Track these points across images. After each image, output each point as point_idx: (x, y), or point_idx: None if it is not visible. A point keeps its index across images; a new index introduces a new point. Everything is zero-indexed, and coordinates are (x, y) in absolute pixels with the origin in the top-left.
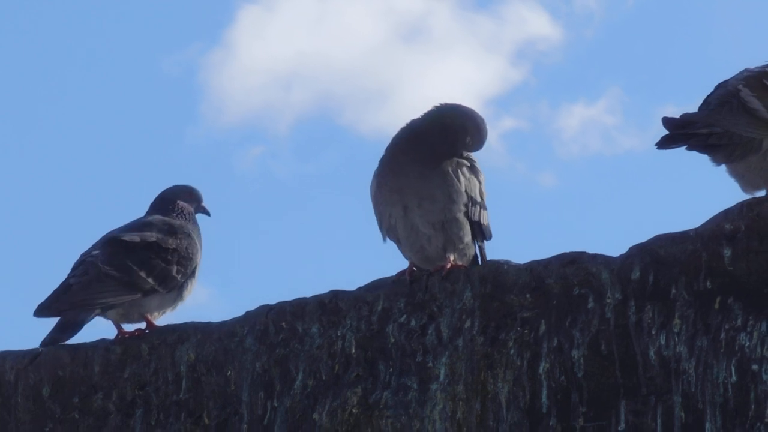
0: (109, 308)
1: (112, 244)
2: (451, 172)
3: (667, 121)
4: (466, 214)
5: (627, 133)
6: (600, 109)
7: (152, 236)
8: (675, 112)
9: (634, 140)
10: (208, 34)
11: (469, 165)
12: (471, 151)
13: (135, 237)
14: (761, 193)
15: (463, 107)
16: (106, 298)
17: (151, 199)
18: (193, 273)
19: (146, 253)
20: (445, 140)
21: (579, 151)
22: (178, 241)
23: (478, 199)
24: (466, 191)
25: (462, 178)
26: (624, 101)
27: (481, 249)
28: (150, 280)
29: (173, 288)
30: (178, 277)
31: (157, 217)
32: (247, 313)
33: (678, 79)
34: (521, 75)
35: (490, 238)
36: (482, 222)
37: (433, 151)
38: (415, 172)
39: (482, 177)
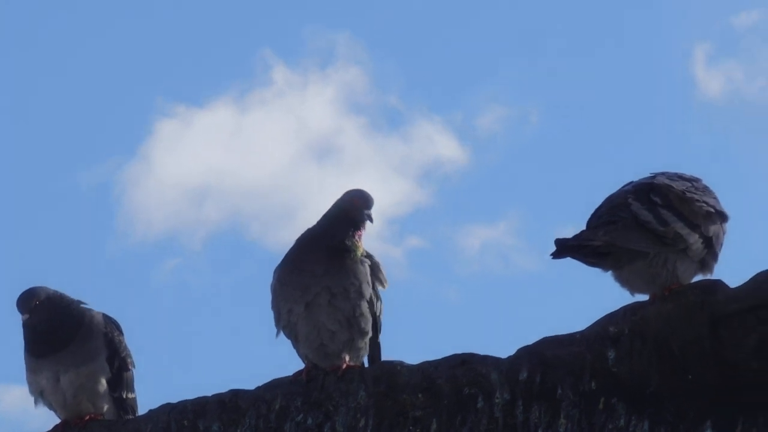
0: None
1: None
2: (357, 267)
3: (560, 242)
4: (371, 309)
5: (525, 254)
6: (500, 231)
7: None
8: (572, 233)
9: (531, 261)
10: (125, 148)
11: (369, 262)
12: (368, 213)
13: None
14: (644, 297)
15: (349, 190)
16: None
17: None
18: None
19: None
20: (343, 219)
21: (479, 270)
22: None
23: (379, 294)
24: (372, 286)
25: (367, 273)
26: (525, 222)
27: (378, 344)
28: None
29: None
30: None
31: None
32: (150, 411)
33: (576, 201)
34: (427, 196)
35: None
36: (379, 315)
37: (336, 245)
38: (321, 269)
39: (383, 269)
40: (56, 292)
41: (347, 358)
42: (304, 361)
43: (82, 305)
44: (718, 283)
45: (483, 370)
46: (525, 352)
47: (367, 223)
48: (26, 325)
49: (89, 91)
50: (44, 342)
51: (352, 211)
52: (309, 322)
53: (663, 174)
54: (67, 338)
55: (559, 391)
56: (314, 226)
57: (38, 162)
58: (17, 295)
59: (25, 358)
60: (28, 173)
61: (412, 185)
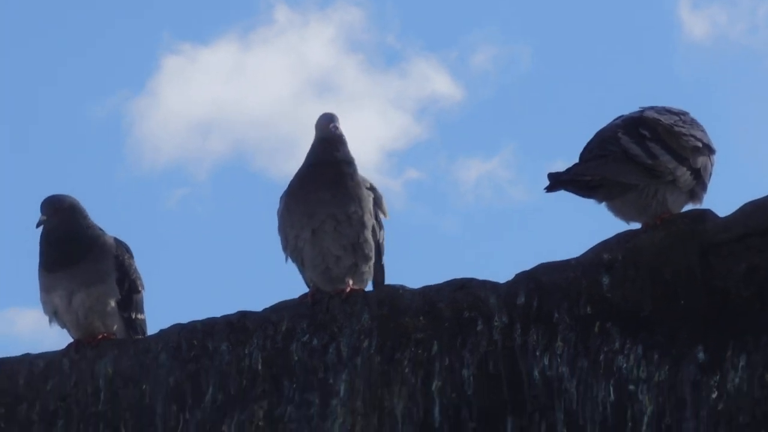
0: None
1: None
2: (362, 193)
3: (553, 177)
4: (374, 235)
5: (518, 186)
6: (495, 164)
7: None
8: (563, 167)
9: (525, 192)
10: (134, 82)
11: (373, 195)
12: (332, 125)
13: None
14: (637, 226)
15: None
16: None
17: None
18: None
19: None
20: (321, 141)
21: (474, 201)
22: None
23: (381, 222)
24: (374, 215)
25: (371, 203)
26: (518, 156)
27: (382, 267)
28: None
29: None
30: None
31: None
32: (161, 331)
33: (567, 134)
34: (424, 130)
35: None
36: (381, 242)
37: (331, 160)
38: (327, 197)
39: (384, 201)
40: (83, 209)
41: (351, 282)
42: (309, 285)
43: (98, 229)
44: (708, 213)
45: (482, 294)
46: (522, 277)
47: (336, 132)
48: (42, 230)
49: (100, 28)
50: (56, 253)
51: (322, 131)
52: (315, 248)
53: (652, 108)
54: (78, 255)
55: (556, 315)
56: (309, 157)
57: (53, 94)
58: (31, 222)
59: (39, 276)
60: (44, 105)
61: (409, 120)
